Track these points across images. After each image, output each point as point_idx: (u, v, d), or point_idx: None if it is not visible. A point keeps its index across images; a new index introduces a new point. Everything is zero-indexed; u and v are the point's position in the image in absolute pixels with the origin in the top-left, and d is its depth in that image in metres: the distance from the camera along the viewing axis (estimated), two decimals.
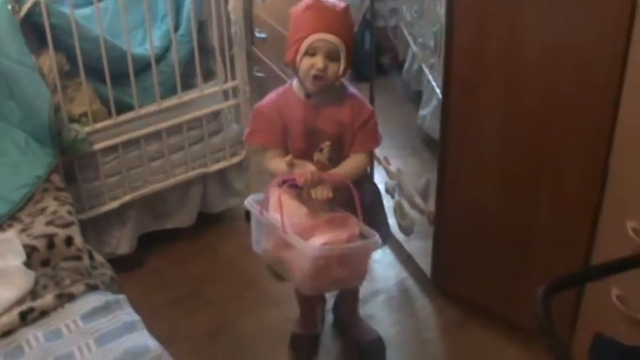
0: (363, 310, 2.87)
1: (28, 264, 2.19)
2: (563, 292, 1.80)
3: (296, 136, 2.29)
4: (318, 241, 2.13)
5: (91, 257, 2.38)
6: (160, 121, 3.02)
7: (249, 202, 2.31)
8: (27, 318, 2.03)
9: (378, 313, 2.93)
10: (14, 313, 2.03)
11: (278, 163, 2.26)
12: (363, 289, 3.01)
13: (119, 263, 2.71)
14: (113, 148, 2.95)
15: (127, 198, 3.03)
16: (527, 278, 2.54)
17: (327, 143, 2.29)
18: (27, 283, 2.13)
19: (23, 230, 2.32)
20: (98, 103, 2.89)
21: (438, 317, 2.92)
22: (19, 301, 2.08)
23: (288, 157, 2.18)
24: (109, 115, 2.90)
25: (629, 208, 2.14)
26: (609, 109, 2.12)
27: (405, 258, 3.20)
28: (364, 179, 2.45)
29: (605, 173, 2.21)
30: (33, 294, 2.12)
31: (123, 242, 3.09)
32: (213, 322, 2.91)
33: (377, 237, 2.21)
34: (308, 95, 2.27)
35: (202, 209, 3.35)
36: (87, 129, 2.82)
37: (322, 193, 2.18)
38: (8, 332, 2.00)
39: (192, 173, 3.19)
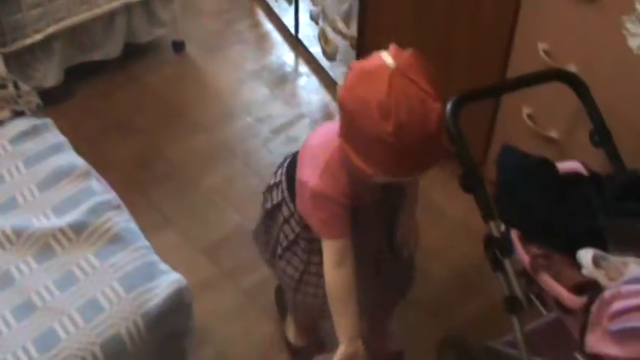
0: (287, 133, 2.96)
1: None
2: (475, 106, 1.91)
3: (368, 199, 1.85)
4: None
5: (17, 87, 2.39)
6: None
7: None
8: None
9: (302, 136, 3.00)
10: None
11: (344, 305, 1.78)
12: (289, 113, 3.09)
13: (47, 96, 2.71)
14: None
15: (51, 30, 3.00)
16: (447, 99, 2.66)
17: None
18: None
19: None
20: None
21: None
22: None
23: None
24: None
25: (540, 30, 2.26)
26: None
27: (329, 83, 3.28)
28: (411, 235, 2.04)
29: None
30: None
31: (49, 75, 3.09)
32: (142, 150, 2.98)
33: None
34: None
35: (128, 40, 3.34)
36: None
37: None
38: None
39: (115, 4, 3.15)
